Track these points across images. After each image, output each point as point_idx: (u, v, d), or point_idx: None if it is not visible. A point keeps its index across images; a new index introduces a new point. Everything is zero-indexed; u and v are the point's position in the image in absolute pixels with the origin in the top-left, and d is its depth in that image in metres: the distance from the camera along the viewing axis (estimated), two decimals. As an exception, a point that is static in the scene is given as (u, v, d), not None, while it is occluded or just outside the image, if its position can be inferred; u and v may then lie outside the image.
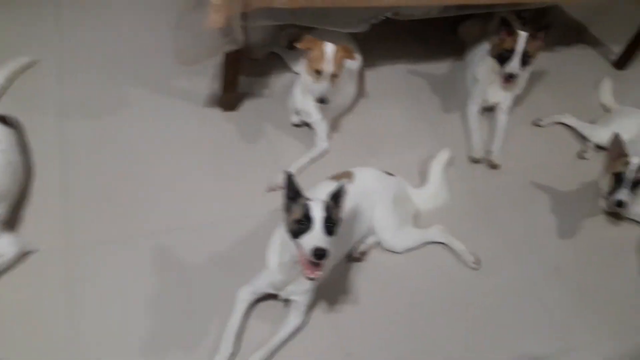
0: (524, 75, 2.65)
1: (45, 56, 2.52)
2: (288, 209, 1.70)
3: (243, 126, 2.47)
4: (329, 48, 2.21)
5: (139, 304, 1.84)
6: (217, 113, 2.49)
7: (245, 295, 1.85)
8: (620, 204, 2.20)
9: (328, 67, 2.21)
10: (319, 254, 1.57)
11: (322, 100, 2.26)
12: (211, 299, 1.88)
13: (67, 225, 1.98)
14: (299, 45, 2.24)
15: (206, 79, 2.59)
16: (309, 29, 2.46)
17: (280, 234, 1.77)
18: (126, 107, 2.42)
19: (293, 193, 1.69)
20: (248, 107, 2.56)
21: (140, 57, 2.65)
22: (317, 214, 1.62)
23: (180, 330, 1.80)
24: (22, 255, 1.85)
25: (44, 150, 2.17)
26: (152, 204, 2.12)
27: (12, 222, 1.91)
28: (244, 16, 2.07)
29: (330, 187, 1.77)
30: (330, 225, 1.63)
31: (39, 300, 1.79)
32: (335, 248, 1.93)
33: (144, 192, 2.15)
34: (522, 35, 2.47)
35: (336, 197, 1.73)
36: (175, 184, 2.20)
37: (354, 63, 2.54)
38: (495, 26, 2.66)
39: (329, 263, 1.88)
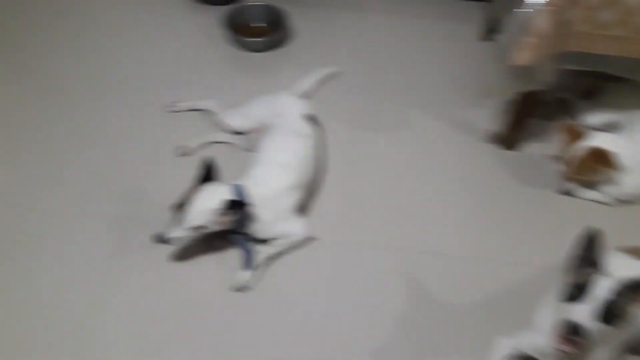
0: None
1: (347, 68, 2.74)
2: (574, 267, 1.52)
3: (520, 168, 2.39)
4: (580, 149, 2.10)
5: (385, 318, 1.92)
6: (492, 149, 2.45)
7: (504, 349, 1.76)
8: None
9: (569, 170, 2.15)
10: (571, 330, 1.41)
11: None
12: (457, 336, 1.88)
13: (342, 222, 2.18)
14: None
15: (485, 113, 2.58)
16: (614, 79, 2.24)
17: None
18: (406, 127, 2.53)
19: (587, 255, 1.50)
20: (527, 149, 2.46)
21: (425, 82, 2.73)
22: (600, 291, 1.42)
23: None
24: (306, 240, 2.07)
25: (334, 151, 2.39)
26: (404, 221, 2.20)
27: (304, 209, 2.16)
28: (555, 58, 2.00)
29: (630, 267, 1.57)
30: (610, 315, 1.42)
31: (304, 283, 2.00)
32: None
33: (402, 209, 2.23)
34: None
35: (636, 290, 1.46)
36: (431, 207, 2.25)
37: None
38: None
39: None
